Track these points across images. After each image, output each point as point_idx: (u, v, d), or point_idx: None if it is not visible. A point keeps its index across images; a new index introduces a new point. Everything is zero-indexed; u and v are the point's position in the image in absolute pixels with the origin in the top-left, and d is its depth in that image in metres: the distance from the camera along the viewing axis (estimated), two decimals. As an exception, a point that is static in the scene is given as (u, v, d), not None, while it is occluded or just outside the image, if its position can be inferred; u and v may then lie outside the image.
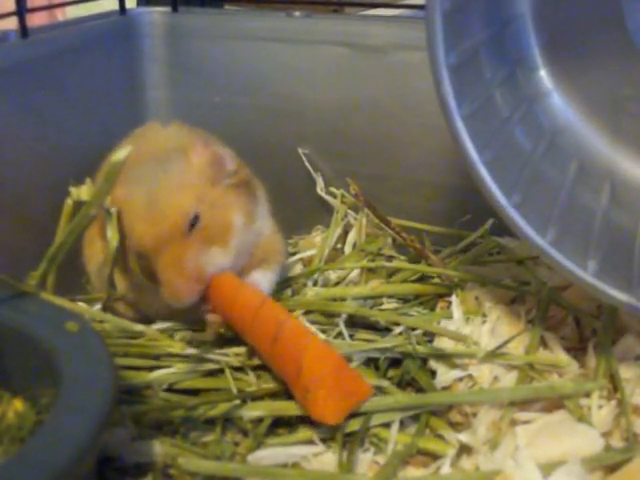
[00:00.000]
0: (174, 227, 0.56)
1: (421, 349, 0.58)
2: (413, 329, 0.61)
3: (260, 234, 0.65)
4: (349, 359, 0.58)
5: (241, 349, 0.59)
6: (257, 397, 0.55)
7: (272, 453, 0.49)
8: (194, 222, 0.57)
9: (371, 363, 0.59)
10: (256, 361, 0.58)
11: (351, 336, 0.61)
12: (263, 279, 0.64)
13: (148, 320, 0.63)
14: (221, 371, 0.57)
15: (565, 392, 0.53)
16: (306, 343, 0.53)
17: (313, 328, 0.61)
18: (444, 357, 0.58)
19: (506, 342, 0.56)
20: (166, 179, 0.58)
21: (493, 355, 0.56)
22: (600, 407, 0.53)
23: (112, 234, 0.57)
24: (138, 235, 0.56)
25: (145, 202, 0.56)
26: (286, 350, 0.53)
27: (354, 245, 0.80)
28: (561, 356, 0.58)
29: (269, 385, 0.56)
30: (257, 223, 0.64)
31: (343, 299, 0.66)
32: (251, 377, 0.57)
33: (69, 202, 0.56)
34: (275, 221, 0.68)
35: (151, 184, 0.58)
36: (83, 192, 0.55)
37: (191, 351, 0.57)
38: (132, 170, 0.59)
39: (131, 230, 0.57)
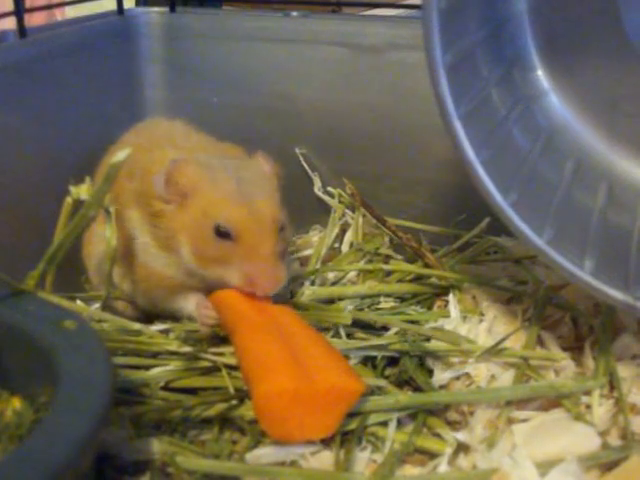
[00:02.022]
0: (275, 224, 0.57)
1: (417, 347, 0.58)
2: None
3: None
4: (346, 357, 0.58)
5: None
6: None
7: (270, 451, 0.49)
8: (281, 228, 0.58)
9: (368, 362, 0.59)
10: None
11: (349, 335, 0.61)
12: None
13: (146, 319, 0.63)
14: (218, 369, 0.57)
15: (565, 391, 0.53)
16: (259, 376, 0.49)
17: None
18: (441, 355, 0.58)
19: (503, 340, 0.56)
20: (256, 178, 0.59)
21: (490, 352, 0.56)
22: (599, 406, 0.53)
23: (111, 233, 0.57)
24: (234, 216, 0.56)
25: (237, 189, 0.57)
26: (246, 377, 0.52)
27: (351, 244, 0.80)
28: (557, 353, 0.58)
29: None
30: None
31: (340, 298, 0.67)
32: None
33: (69, 201, 0.56)
34: None
35: (239, 174, 0.58)
36: (83, 191, 0.54)
37: (188, 349, 0.57)
38: (195, 153, 0.60)
39: (217, 207, 0.57)
